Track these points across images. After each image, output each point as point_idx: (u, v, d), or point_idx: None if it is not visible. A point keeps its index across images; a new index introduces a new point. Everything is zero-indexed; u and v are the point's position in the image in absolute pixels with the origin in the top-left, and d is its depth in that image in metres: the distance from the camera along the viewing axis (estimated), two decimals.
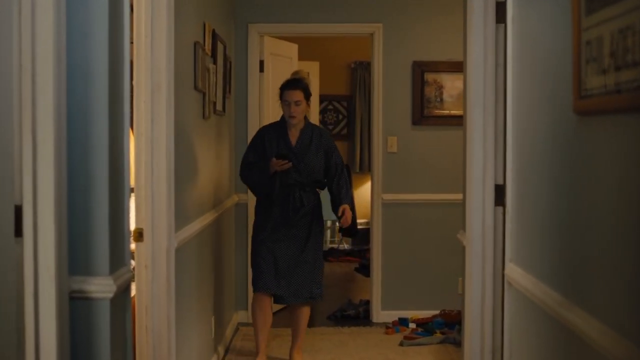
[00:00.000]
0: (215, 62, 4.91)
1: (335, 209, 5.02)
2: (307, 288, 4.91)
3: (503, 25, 3.46)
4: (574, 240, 2.23)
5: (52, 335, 2.26)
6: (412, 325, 6.12)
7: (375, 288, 6.40)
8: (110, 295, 2.49)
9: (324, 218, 5.21)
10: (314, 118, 9.44)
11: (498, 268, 3.51)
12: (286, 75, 6.82)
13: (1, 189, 2.21)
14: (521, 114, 2.88)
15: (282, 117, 4.98)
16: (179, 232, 3.68)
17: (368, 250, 9.00)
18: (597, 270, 2.05)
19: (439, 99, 6.36)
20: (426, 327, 5.98)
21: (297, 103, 4.87)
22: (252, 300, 4.99)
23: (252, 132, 5.88)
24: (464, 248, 3.79)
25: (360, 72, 9.88)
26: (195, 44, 4.21)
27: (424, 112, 6.35)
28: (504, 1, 3.26)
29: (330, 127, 10.16)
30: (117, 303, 2.58)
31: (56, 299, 2.27)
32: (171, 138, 3.48)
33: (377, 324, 6.27)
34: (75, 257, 2.45)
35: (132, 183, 3.47)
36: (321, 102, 9.84)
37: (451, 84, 6.35)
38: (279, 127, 5.00)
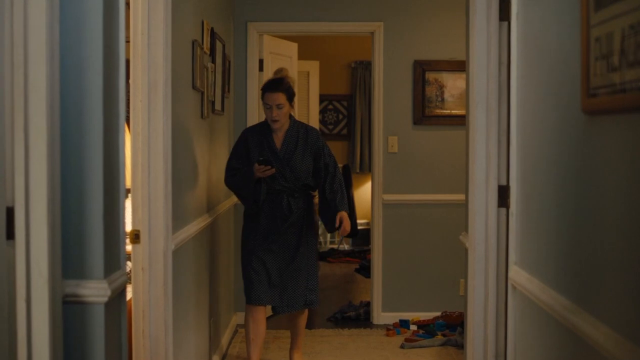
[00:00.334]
0: (213, 61, 4.85)
1: (329, 216, 4.69)
2: (302, 297, 4.68)
3: (506, 23, 3.41)
4: (582, 243, 2.17)
5: (45, 340, 2.21)
6: (413, 327, 6.06)
7: (376, 289, 6.34)
8: (105, 299, 2.43)
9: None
10: (314, 118, 9.38)
11: (501, 271, 3.44)
12: None
13: None
14: (526, 114, 2.82)
15: (266, 120, 4.71)
16: (176, 234, 3.62)
17: (368, 251, 8.98)
18: (605, 274, 1.99)
19: (440, 99, 6.30)
20: (427, 329, 5.92)
21: (279, 106, 4.56)
22: (245, 312, 4.73)
23: None
24: (466, 250, 3.73)
25: (361, 71, 9.83)
26: (194, 42, 4.15)
27: (425, 111, 6.30)
28: None
29: (330, 126, 10.11)
30: (111, 307, 2.52)
31: (49, 304, 2.21)
32: (168, 138, 3.42)
33: (378, 326, 6.21)
34: (68, 260, 2.39)
35: (129, 184, 3.42)
36: (321, 101, 9.79)
37: (452, 83, 6.29)
38: (263, 129, 4.70)
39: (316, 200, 4.84)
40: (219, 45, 5.06)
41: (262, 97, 4.63)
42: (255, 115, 6.23)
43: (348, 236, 9.36)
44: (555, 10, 2.43)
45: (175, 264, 3.58)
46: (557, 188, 2.40)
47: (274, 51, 6.51)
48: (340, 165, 9.41)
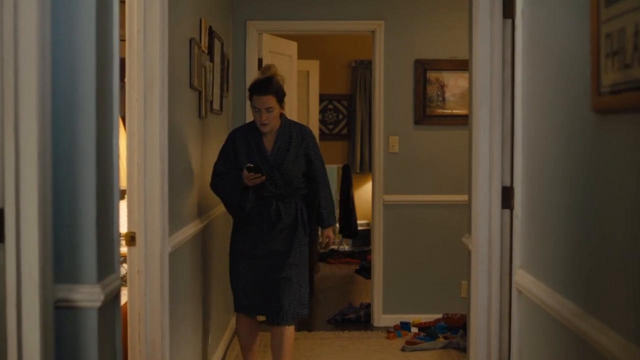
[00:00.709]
0: (212, 60, 4.78)
1: (317, 228, 4.56)
2: (292, 309, 4.32)
3: (510, 20, 3.34)
4: (591, 247, 2.10)
5: (36, 347, 2.15)
6: (414, 330, 5.99)
7: (377, 291, 6.27)
8: (98, 304, 2.35)
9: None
10: (314, 118, 9.31)
11: (505, 273, 3.37)
12: (286, 74, 6.70)
13: None
14: (532, 113, 2.74)
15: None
16: (173, 236, 3.55)
17: (368, 252, 8.91)
18: (614, 278, 1.92)
19: (441, 98, 6.23)
20: (429, 331, 5.85)
21: (268, 110, 4.22)
22: (236, 321, 4.51)
23: None
24: (469, 252, 3.66)
25: (361, 70, 9.77)
26: (191, 40, 4.07)
27: (426, 111, 6.23)
28: None
29: (330, 126, 10.04)
30: (105, 312, 2.45)
31: (40, 309, 2.15)
32: (165, 138, 3.35)
33: (378, 328, 6.14)
34: (60, 264, 2.32)
35: (124, 185, 3.35)
36: (321, 101, 9.73)
37: (454, 82, 6.22)
38: (252, 131, 4.35)
39: None
40: (217, 44, 4.99)
41: (250, 99, 4.31)
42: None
43: (348, 237, 9.37)
44: (563, 6, 2.36)
45: (172, 266, 3.51)
46: (565, 190, 2.32)
47: (273, 50, 6.44)
48: (340, 165, 9.45)
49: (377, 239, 6.28)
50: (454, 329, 5.82)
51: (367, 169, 9.78)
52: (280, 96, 4.28)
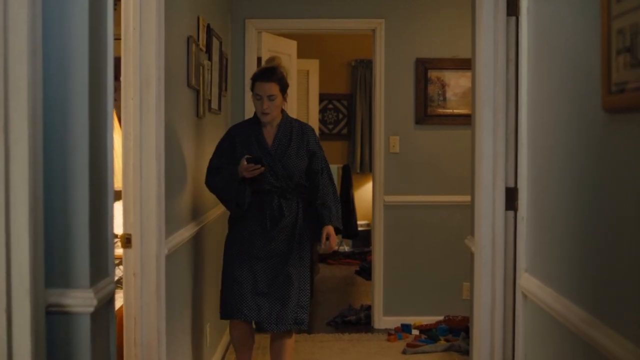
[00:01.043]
0: (210, 59, 4.70)
1: (317, 229, 4.20)
2: (291, 314, 4.09)
3: (514, 18, 3.26)
4: (601, 251, 2.02)
5: (27, 353, 2.08)
6: (415, 332, 5.92)
7: (377, 293, 6.21)
8: (91, 309, 2.28)
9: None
10: (314, 117, 9.24)
11: (509, 276, 3.30)
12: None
13: None
14: (537, 113, 2.67)
15: (255, 114, 4.23)
16: (169, 238, 3.48)
17: (368, 253, 8.85)
18: (626, 284, 1.85)
19: (442, 98, 6.16)
20: (430, 333, 5.78)
21: (270, 97, 4.09)
22: (229, 327, 4.22)
23: None
24: (472, 254, 3.58)
25: (361, 70, 9.71)
26: (189, 38, 4.00)
27: (427, 111, 6.16)
28: None
29: (330, 126, 9.98)
30: (98, 317, 2.37)
31: (31, 314, 2.08)
32: (161, 137, 3.28)
33: (379, 331, 6.07)
34: (52, 268, 2.24)
35: (120, 186, 3.28)
36: (321, 101, 9.66)
37: (455, 81, 6.15)
38: (252, 126, 4.21)
39: None
40: (215, 42, 4.92)
41: (252, 88, 4.16)
42: (253, 114, 6.07)
43: (348, 237, 9.30)
44: (570, 2, 2.28)
45: (169, 269, 3.44)
46: (573, 191, 2.25)
47: (272, 49, 6.37)
48: (340, 166, 9.38)
49: (377, 240, 6.21)
50: (455, 331, 5.75)
51: (367, 169, 9.73)
52: (283, 86, 4.17)
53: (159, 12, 3.23)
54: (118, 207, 3.45)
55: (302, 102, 8.98)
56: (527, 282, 2.71)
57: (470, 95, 6.07)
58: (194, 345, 4.22)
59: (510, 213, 3.31)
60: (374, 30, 6.19)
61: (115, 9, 3.18)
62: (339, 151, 9.93)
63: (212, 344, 4.88)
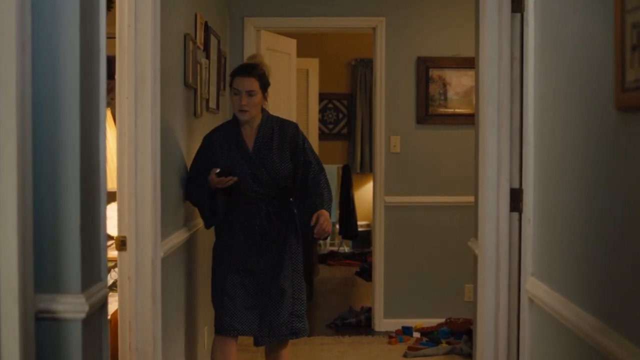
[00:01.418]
0: (208, 57, 4.62)
1: (305, 216, 3.89)
2: (286, 324, 3.86)
3: (519, 14, 3.18)
4: (612, 254, 1.94)
5: None
6: (417, 335, 5.84)
7: (378, 295, 6.13)
8: (82, 315, 2.20)
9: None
10: (313, 117, 9.15)
11: (513, 280, 3.22)
12: (285, 72, 6.57)
13: None
14: (545, 111, 2.59)
15: (234, 115, 3.93)
16: (165, 240, 3.39)
17: (369, 253, 8.78)
18: (639, 290, 1.76)
19: (443, 97, 6.08)
20: (431, 336, 5.70)
21: (250, 93, 3.81)
22: (213, 344, 3.92)
23: None
24: (475, 257, 3.50)
25: (361, 69, 9.64)
26: (186, 36, 3.92)
27: (428, 110, 6.08)
28: None
29: (330, 126, 9.91)
30: (90, 324, 2.29)
31: (20, 320, 2.01)
32: (157, 137, 3.19)
33: (380, 333, 5.99)
34: (41, 273, 2.16)
35: (115, 187, 3.20)
36: (321, 100, 9.58)
37: (457, 80, 6.07)
38: (231, 128, 3.93)
39: None
40: (213, 40, 4.84)
41: (231, 83, 3.89)
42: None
43: (348, 238, 9.22)
44: None
45: (164, 272, 3.35)
46: (583, 192, 2.17)
47: (271, 47, 6.29)
48: (340, 166, 9.30)
49: (378, 241, 6.13)
50: (457, 334, 5.66)
51: (367, 169, 9.66)
52: (264, 83, 3.89)
53: (154, 9, 3.15)
54: (113, 209, 3.38)
55: (302, 102, 8.90)
56: (534, 286, 2.62)
57: (472, 94, 6.01)
58: (190, 350, 4.14)
59: (515, 215, 3.23)
60: (374, 29, 6.11)
61: (111, 9, 3.12)
62: (339, 151, 9.86)
63: (208, 349, 4.79)
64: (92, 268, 2.34)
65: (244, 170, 3.81)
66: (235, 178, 3.75)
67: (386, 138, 6.10)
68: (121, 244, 3.15)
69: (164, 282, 3.36)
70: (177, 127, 3.82)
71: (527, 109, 2.80)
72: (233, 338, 3.87)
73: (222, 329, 3.84)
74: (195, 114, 4.26)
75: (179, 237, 3.72)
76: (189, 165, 4.01)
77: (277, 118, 4.02)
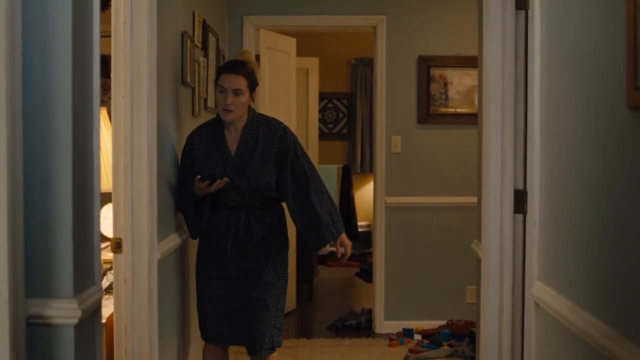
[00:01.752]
0: (206, 56, 4.55)
1: (315, 233, 3.70)
2: (268, 337, 3.64)
3: (524, 12, 3.11)
4: (623, 258, 1.87)
5: None
6: (418, 337, 5.77)
7: (378, 296, 6.06)
8: (74, 321, 2.13)
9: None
10: (313, 117, 9.07)
11: (517, 283, 3.15)
12: (284, 71, 6.50)
13: None
14: (551, 110, 2.52)
15: (218, 115, 3.68)
16: (162, 243, 3.32)
17: (369, 254, 8.71)
18: None
19: (444, 97, 6.01)
20: (433, 338, 5.63)
21: (236, 92, 3.56)
22: (203, 350, 3.87)
23: None
24: (478, 259, 3.43)
25: (362, 68, 9.58)
26: (183, 34, 3.85)
27: (430, 110, 6.01)
28: None
29: (330, 126, 9.84)
30: (83, 329, 2.22)
31: (9, 326, 1.95)
32: (153, 137, 3.12)
33: (380, 335, 5.91)
34: (32, 277, 2.10)
35: (110, 188, 3.14)
36: (321, 100, 9.51)
37: (459, 80, 6.01)
38: (214, 129, 3.68)
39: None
40: (212, 38, 4.77)
41: (216, 80, 3.65)
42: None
43: (349, 238, 9.09)
44: None
45: (161, 275, 3.28)
46: (591, 193, 2.10)
47: (271, 46, 6.22)
48: (340, 166, 9.23)
49: (378, 243, 6.07)
50: (459, 336, 5.59)
51: (367, 169, 9.60)
52: (252, 82, 3.63)
53: (151, 6, 3.08)
54: (108, 211, 3.30)
55: (302, 101, 8.82)
56: (540, 290, 2.55)
57: (474, 94, 5.94)
58: (187, 354, 4.07)
59: (519, 216, 3.17)
60: (375, 27, 6.05)
61: (107, 8, 3.05)
62: (339, 151, 9.80)
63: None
64: (85, 271, 2.27)
65: (223, 177, 3.58)
66: (226, 179, 3.55)
67: (387, 138, 6.04)
68: (117, 246, 3.08)
69: (161, 285, 3.29)
70: (175, 127, 3.75)
71: (533, 108, 2.73)
72: (220, 347, 3.78)
73: (208, 337, 3.75)
74: (193, 113, 4.19)
75: (176, 239, 3.64)
76: None
77: (265, 118, 3.75)
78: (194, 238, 3.78)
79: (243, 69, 3.62)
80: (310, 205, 3.68)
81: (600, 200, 2.03)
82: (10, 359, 1.94)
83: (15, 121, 1.94)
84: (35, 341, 2.11)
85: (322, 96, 9.48)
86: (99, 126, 2.39)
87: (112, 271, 3.23)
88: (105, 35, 3.04)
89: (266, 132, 3.67)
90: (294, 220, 3.73)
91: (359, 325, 6.14)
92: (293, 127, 6.25)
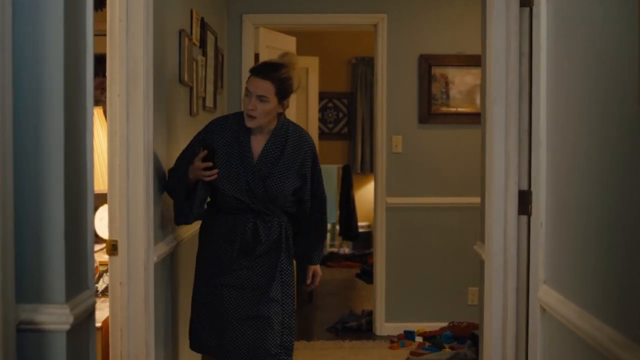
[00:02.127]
0: (204, 54, 4.49)
1: (300, 263, 3.67)
2: (273, 353, 3.38)
3: (528, 8, 3.04)
4: (635, 263, 1.80)
5: None
6: (419, 339, 5.71)
7: (379, 298, 5.99)
8: (67, 327, 2.07)
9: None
10: (313, 116, 9.01)
11: (522, 286, 3.08)
12: None
13: None
14: (557, 109, 2.45)
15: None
16: (158, 245, 3.25)
17: (369, 255, 8.65)
18: None
19: (445, 96, 5.95)
20: (434, 341, 5.57)
21: (261, 99, 3.31)
22: None
23: None
24: (482, 262, 3.36)
25: (362, 68, 9.52)
26: (181, 32, 3.78)
27: (431, 109, 5.95)
28: None
29: (330, 125, 9.78)
30: (75, 335, 2.16)
31: (0, 332, 1.87)
32: (149, 137, 3.06)
33: (381, 337, 5.86)
34: (23, 282, 2.04)
35: (105, 189, 3.07)
36: (321, 99, 9.45)
37: (460, 79, 5.94)
38: (239, 125, 3.41)
39: None
40: (210, 37, 4.70)
41: (247, 81, 3.42)
42: None
43: (348, 239, 9.09)
44: None
45: (157, 278, 3.22)
46: (600, 194, 2.03)
47: (270, 45, 6.15)
48: (340, 166, 9.17)
49: (379, 244, 6.00)
50: (460, 338, 5.53)
51: (367, 169, 9.54)
52: (282, 90, 3.36)
53: (147, 3, 3.01)
54: (104, 212, 3.24)
55: (301, 101, 8.76)
56: (546, 295, 2.49)
57: (475, 93, 5.88)
58: (185, 357, 4.00)
59: (524, 218, 3.10)
60: (375, 26, 5.98)
61: (104, 7, 2.99)
62: (339, 151, 9.74)
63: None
64: (78, 275, 2.21)
65: (240, 179, 3.36)
66: (216, 174, 3.31)
67: (388, 138, 5.98)
68: (112, 248, 3.02)
69: (157, 288, 3.23)
70: (172, 127, 3.68)
71: (539, 107, 2.66)
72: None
73: (199, 346, 3.52)
74: (191, 112, 4.13)
75: (173, 241, 3.57)
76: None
77: (295, 128, 3.51)
78: (177, 224, 3.51)
79: (275, 74, 3.35)
80: (319, 227, 3.64)
81: (609, 201, 1.97)
82: None
83: (4, 121, 1.88)
84: (26, 348, 2.06)
85: (322, 95, 9.42)
86: (92, 126, 2.32)
87: (108, 273, 3.17)
88: (103, 34, 2.99)
89: (294, 142, 3.45)
90: (296, 231, 3.58)
91: (359, 327, 6.08)
92: None
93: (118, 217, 3.01)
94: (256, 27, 5.98)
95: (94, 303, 2.32)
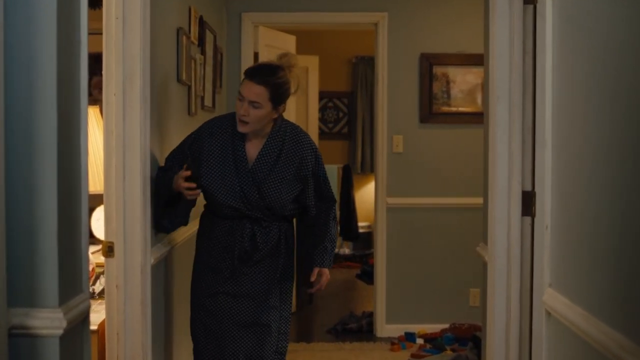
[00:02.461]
0: (203, 53, 4.43)
1: (305, 268, 3.42)
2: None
3: (532, 6, 2.99)
4: None
5: None
6: (420, 341, 5.65)
7: (379, 299, 5.94)
8: (59, 331, 2.02)
9: None
10: (313, 116, 8.95)
11: (526, 289, 3.02)
12: None
13: None
14: (563, 108, 2.40)
15: None
16: (155, 246, 3.20)
17: (370, 255, 8.60)
18: None
19: (446, 95, 5.89)
20: (435, 342, 5.51)
21: (254, 105, 3.14)
22: None
23: None
24: (484, 263, 3.31)
25: (362, 67, 9.46)
26: (179, 30, 3.73)
27: (432, 108, 5.89)
28: None
29: (330, 125, 9.73)
30: (69, 340, 2.11)
31: None
32: (146, 136, 3.00)
33: (382, 339, 5.80)
34: (15, 286, 1.99)
35: (101, 189, 3.02)
36: (320, 99, 9.39)
37: (462, 78, 5.89)
38: (234, 128, 3.24)
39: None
40: (209, 35, 4.65)
41: (241, 84, 3.23)
42: None
43: (349, 239, 9.04)
44: None
45: (154, 280, 3.16)
46: (607, 196, 1.98)
47: (270, 44, 6.10)
48: (340, 166, 9.11)
49: (379, 244, 5.95)
50: (462, 340, 5.48)
51: (368, 169, 9.48)
52: (277, 95, 3.18)
53: (144, 0, 2.96)
54: (100, 213, 3.18)
55: (301, 100, 8.70)
56: (551, 298, 2.43)
57: (477, 92, 5.82)
58: None
59: (527, 219, 3.05)
60: (376, 25, 5.93)
61: (101, 7, 2.93)
62: (339, 151, 9.69)
63: None
64: (72, 279, 2.16)
65: (234, 186, 3.21)
66: (198, 192, 3.16)
67: (388, 137, 5.92)
68: (108, 250, 2.97)
69: (154, 290, 3.17)
70: (170, 126, 3.63)
71: (544, 106, 2.61)
72: None
73: (201, 353, 3.37)
74: (189, 112, 4.07)
75: (171, 242, 3.52)
76: None
77: (293, 130, 3.33)
78: (157, 231, 3.27)
79: (270, 78, 3.16)
80: (329, 229, 3.45)
81: (617, 202, 1.91)
82: None
83: None
84: (18, 353, 2.01)
85: (322, 95, 9.36)
86: (87, 125, 2.27)
87: (102, 276, 3.11)
88: (101, 32, 2.93)
89: (291, 145, 3.27)
90: (299, 234, 3.48)
91: (359, 329, 6.02)
92: None
93: (114, 218, 2.96)
94: (255, 25, 5.93)
95: (89, 307, 2.27)
